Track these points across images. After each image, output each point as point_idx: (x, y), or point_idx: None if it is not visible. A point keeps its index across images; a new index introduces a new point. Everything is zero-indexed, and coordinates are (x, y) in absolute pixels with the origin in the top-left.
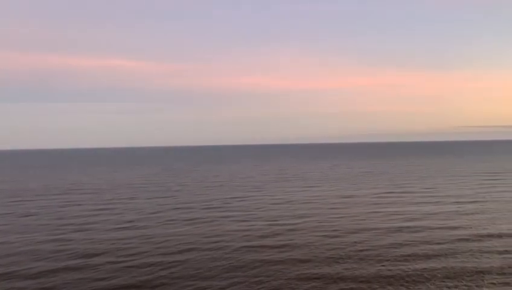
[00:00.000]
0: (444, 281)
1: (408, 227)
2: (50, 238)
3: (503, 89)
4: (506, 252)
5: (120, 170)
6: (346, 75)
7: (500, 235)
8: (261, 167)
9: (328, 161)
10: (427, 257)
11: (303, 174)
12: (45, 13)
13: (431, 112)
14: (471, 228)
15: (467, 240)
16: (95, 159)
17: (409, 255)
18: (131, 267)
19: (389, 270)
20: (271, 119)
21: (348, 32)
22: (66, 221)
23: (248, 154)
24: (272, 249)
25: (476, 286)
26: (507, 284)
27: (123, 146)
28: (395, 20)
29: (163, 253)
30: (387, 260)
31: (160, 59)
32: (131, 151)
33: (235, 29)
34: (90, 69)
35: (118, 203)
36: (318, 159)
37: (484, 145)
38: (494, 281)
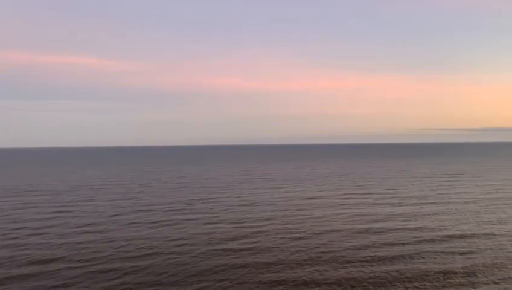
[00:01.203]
0: (409, 283)
1: (372, 229)
2: (3, 244)
3: (462, 93)
4: (470, 252)
5: (81, 170)
6: (310, 77)
7: (462, 236)
8: (227, 167)
9: (292, 162)
10: (392, 258)
11: (268, 176)
12: (5, 9)
13: (391, 115)
14: (434, 229)
15: (430, 241)
16: (54, 159)
17: (373, 257)
18: (91, 274)
19: (355, 273)
20: (238, 120)
21: (314, 36)
22: (20, 224)
23: (216, 155)
24: (237, 252)
25: (441, 287)
26: (471, 284)
27: (86, 145)
28: (361, 25)
29: (125, 258)
30: (353, 263)
31: (128, 57)
32: (94, 151)
33: (208, 31)
34: (49, 66)
35: (76, 205)
36: (283, 160)
37: (442, 148)
38: (458, 282)
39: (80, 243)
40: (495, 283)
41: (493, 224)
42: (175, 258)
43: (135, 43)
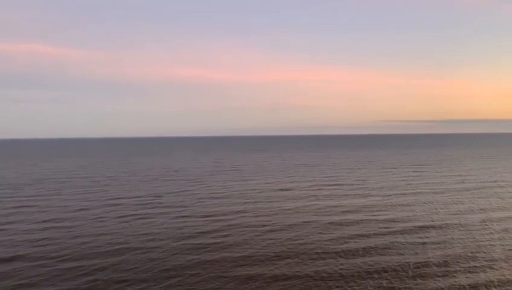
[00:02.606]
0: (383, 274)
1: (344, 220)
2: None
3: (424, 86)
4: (442, 242)
5: (43, 162)
6: (279, 69)
7: (433, 227)
8: (197, 159)
9: (262, 153)
10: (365, 250)
11: (239, 167)
12: None
13: (357, 107)
14: (405, 220)
15: (403, 232)
16: (13, 151)
17: (347, 250)
18: (56, 272)
19: (328, 266)
20: (207, 111)
21: (283, 28)
22: None
23: (185, 146)
24: (208, 246)
25: (416, 277)
26: (445, 274)
27: (47, 137)
28: (328, 19)
29: (92, 254)
30: (326, 255)
31: (91, 46)
32: (56, 142)
33: (177, 20)
34: (8, 54)
35: (40, 199)
36: (253, 151)
37: (405, 139)
38: (433, 272)
39: (44, 239)
40: (468, 272)
41: (463, 214)
42: (144, 253)
43: (99, 32)
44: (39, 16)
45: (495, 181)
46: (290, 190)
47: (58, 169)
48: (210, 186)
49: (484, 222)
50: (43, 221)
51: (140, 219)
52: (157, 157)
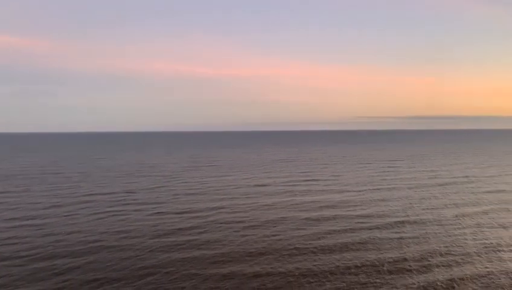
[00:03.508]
0: (362, 270)
1: (322, 216)
2: None
3: (395, 83)
4: (419, 237)
5: (10, 157)
6: (255, 64)
7: (410, 222)
8: (172, 154)
9: (238, 148)
10: (344, 246)
11: (215, 163)
12: None
13: (332, 103)
14: (382, 215)
15: (380, 227)
16: None
17: (325, 246)
18: (27, 272)
19: (307, 262)
20: (184, 105)
21: (260, 24)
22: None
23: (160, 141)
24: (184, 244)
25: (394, 272)
26: (423, 268)
27: (6, 131)
28: (305, 16)
29: (64, 253)
30: (304, 252)
31: (54, 37)
32: (18, 137)
33: (151, 14)
34: None
35: (9, 196)
36: (229, 146)
37: (378, 134)
38: (411, 267)
39: (13, 237)
40: (444, 266)
41: (437, 209)
42: (119, 251)
43: (65, 22)
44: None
45: (466, 176)
46: (266, 185)
47: (27, 165)
48: (186, 182)
49: (457, 216)
50: (12, 219)
51: (114, 215)
52: (132, 152)
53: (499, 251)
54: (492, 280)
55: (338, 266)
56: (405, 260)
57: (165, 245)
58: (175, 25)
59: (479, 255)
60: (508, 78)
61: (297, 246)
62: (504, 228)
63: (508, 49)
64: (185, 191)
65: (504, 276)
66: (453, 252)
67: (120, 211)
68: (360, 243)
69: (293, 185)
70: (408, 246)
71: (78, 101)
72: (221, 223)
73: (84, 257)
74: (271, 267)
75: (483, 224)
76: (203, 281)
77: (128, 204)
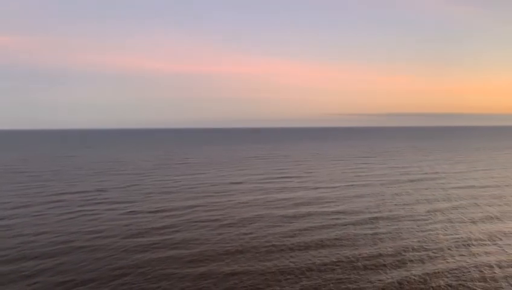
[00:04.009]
0: (339, 266)
1: (298, 213)
2: None
3: (371, 81)
4: (393, 233)
5: None
6: (227, 61)
7: (383, 218)
8: (143, 152)
9: (212, 146)
10: (320, 243)
11: (188, 160)
12: None
13: (305, 100)
14: (357, 211)
15: (356, 223)
16: None
17: (301, 243)
18: None
19: (282, 259)
20: (144, 102)
21: (237, 21)
22: None
23: (131, 139)
24: (158, 243)
25: (371, 268)
26: (399, 264)
27: None
28: (280, 10)
29: (32, 255)
30: (281, 250)
31: (24, 33)
32: None
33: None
34: None
35: None
36: (201, 144)
37: (352, 132)
38: (387, 263)
39: None
40: (418, 261)
41: (409, 205)
42: (90, 252)
43: (35, 17)
44: None
45: (436, 172)
46: (241, 183)
47: None
48: (159, 180)
49: (429, 212)
50: None
51: (85, 215)
52: (103, 150)
53: (469, 245)
54: (463, 273)
55: (314, 263)
56: (380, 255)
57: (139, 245)
58: (145, 20)
59: (450, 250)
60: (485, 77)
61: (273, 243)
62: (473, 223)
63: (487, 48)
64: (159, 190)
65: (474, 269)
66: (425, 247)
67: (92, 210)
68: (335, 239)
69: (267, 182)
70: (382, 242)
71: (44, 97)
72: (196, 222)
73: (55, 258)
74: (247, 265)
75: (454, 219)
76: (178, 281)
77: (100, 203)
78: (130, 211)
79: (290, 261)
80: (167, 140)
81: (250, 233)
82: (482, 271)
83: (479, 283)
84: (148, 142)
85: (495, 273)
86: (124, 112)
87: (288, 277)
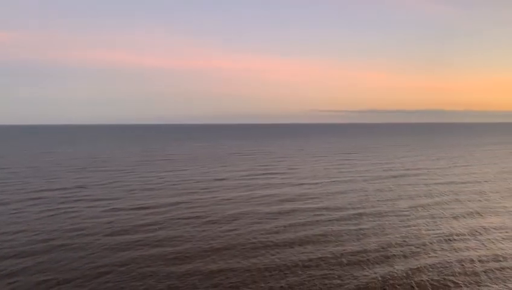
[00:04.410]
0: (321, 263)
1: (282, 210)
2: None
3: (350, 77)
4: (377, 228)
5: None
6: (209, 57)
7: (367, 214)
8: (125, 148)
9: (194, 142)
10: (305, 240)
11: (171, 156)
12: None
13: (286, 96)
14: (341, 208)
15: (339, 219)
16: None
17: (285, 240)
18: None
19: (267, 257)
20: (131, 98)
21: (213, 15)
22: None
23: (111, 135)
24: (141, 241)
25: (357, 263)
26: (381, 260)
27: None
28: (261, 8)
29: (10, 254)
30: (264, 246)
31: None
32: None
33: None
34: None
35: None
36: (183, 140)
37: (336, 128)
38: (373, 258)
39: None
40: (403, 256)
41: (393, 201)
42: (72, 251)
43: (14, 11)
44: None
45: (419, 168)
46: (225, 179)
47: None
48: (141, 177)
49: (412, 207)
50: None
51: (66, 212)
52: (86, 146)
53: (450, 240)
54: (445, 268)
55: (300, 259)
56: (364, 251)
57: (121, 242)
58: (119, 12)
59: (433, 245)
60: (467, 75)
61: (258, 240)
62: (455, 218)
63: (468, 47)
64: (141, 186)
65: (457, 264)
66: (409, 243)
67: (72, 207)
68: (320, 235)
69: (251, 178)
70: (366, 237)
71: (28, 92)
72: (179, 219)
73: (35, 256)
74: (233, 262)
75: (436, 215)
76: (162, 279)
77: (80, 200)
78: (112, 208)
79: (275, 258)
80: (146, 136)
81: (235, 230)
82: (463, 265)
83: (461, 277)
84: (132, 138)
85: (476, 267)
86: (112, 108)
87: (274, 273)
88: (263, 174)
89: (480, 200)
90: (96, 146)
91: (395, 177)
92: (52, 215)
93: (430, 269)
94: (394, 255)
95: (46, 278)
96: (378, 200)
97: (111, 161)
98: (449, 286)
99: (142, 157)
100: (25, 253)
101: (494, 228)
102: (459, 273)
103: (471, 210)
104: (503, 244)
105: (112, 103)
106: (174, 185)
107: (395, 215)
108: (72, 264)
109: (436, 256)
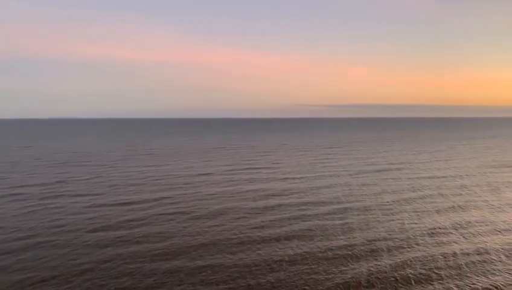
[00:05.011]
0: (307, 259)
1: (266, 205)
2: None
3: (332, 73)
4: (362, 223)
5: None
6: (190, 50)
7: (352, 209)
8: (107, 143)
9: (177, 136)
10: (288, 235)
11: (153, 151)
12: None
13: (268, 91)
14: (326, 202)
15: (325, 214)
16: None
17: (270, 235)
18: None
19: (252, 253)
20: (117, 91)
21: (200, 10)
22: None
23: (92, 129)
24: (123, 238)
25: (344, 257)
26: (368, 255)
27: None
28: (246, 3)
29: None
30: (249, 242)
31: None
32: None
33: None
34: None
35: None
36: (167, 134)
37: (315, 122)
38: (355, 254)
39: None
40: (389, 250)
41: (377, 195)
42: (52, 248)
43: None
44: None
45: (401, 163)
46: (208, 174)
47: None
48: (123, 172)
49: (396, 202)
50: None
51: (45, 209)
52: (67, 140)
53: (434, 233)
54: (429, 261)
55: (285, 254)
56: (350, 245)
57: (103, 239)
58: (104, 5)
59: (417, 239)
60: (449, 70)
61: (243, 235)
62: (437, 212)
63: (449, 42)
64: (123, 182)
65: (440, 257)
66: (393, 237)
67: (53, 203)
68: (305, 229)
69: (235, 173)
70: (352, 232)
71: (5, 86)
72: (163, 215)
73: (13, 254)
74: (217, 258)
75: (419, 209)
76: (144, 277)
77: (61, 196)
78: (94, 204)
79: (261, 253)
80: (133, 130)
81: (220, 225)
82: (446, 259)
83: (445, 271)
84: (110, 133)
85: (459, 260)
86: (93, 101)
87: (260, 268)
88: (247, 169)
89: (461, 194)
90: (78, 140)
91: (378, 171)
92: (32, 211)
93: (414, 263)
94: (379, 249)
95: (26, 276)
96: (362, 195)
97: (93, 156)
98: (433, 279)
99: (124, 152)
100: (4, 251)
101: (475, 222)
102: (443, 266)
103: (453, 204)
104: (484, 237)
105: (95, 96)
106: (157, 180)
107: (380, 210)
108: (54, 261)
109: (420, 250)
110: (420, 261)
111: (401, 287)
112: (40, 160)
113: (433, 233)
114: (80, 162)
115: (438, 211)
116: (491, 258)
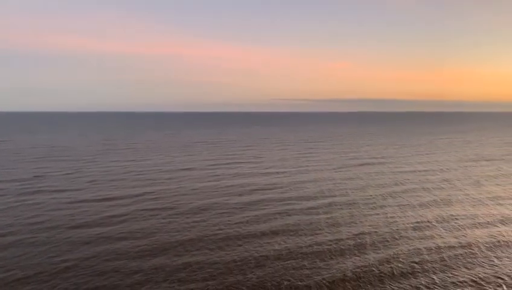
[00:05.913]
0: (293, 254)
1: (251, 200)
2: None
3: (315, 67)
4: (348, 217)
5: None
6: (173, 43)
7: (339, 203)
8: (87, 137)
9: (158, 130)
10: (274, 230)
11: (134, 145)
12: None
13: (248, 85)
14: (311, 197)
15: (311, 209)
16: None
17: (255, 231)
18: None
19: (237, 248)
20: (92, 84)
21: (178, 2)
22: None
23: (72, 122)
24: (105, 235)
25: (332, 251)
26: (356, 249)
27: None
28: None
29: None
30: (234, 238)
31: None
32: None
33: None
34: None
35: None
36: (147, 128)
37: (296, 116)
38: (343, 249)
39: None
40: (375, 245)
41: (362, 189)
42: (31, 246)
43: None
44: None
45: (384, 157)
46: (190, 169)
47: None
48: (104, 167)
49: (380, 196)
50: None
51: (23, 205)
52: (45, 134)
53: (418, 227)
54: (414, 255)
55: (271, 249)
56: (335, 240)
57: (84, 236)
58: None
59: (401, 233)
60: (432, 65)
61: (227, 231)
62: (421, 206)
63: (433, 38)
64: (104, 177)
65: (425, 251)
66: (379, 231)
67: (31, 199)
68: (291, 224)
69: (217, 168)
70: (337, 227)
71: None
72: (144, 210)
73: None
74: (201, 255)
75: (403, 203)
76: (127, 275)
77: (40, 191)
78: (74, 200)
79: (246, 249)
80: (115, 124)
81: (203, 221)
82: (431, 252)
83: (430, 264)
84: (89, 126)
85: (443, 253)
86: (75, 94)
87: (244, 264)
88: (230, 163)
89: (443, 188)
90: (57, 134)
91: (361, 165)
92: (9, 207)
93: (399, 256)
94: (364, 243)
95: (5, 275)
96: (346, 189)
97: (72, 150)
98: (418, 272)
99: (104, 146)
100: None
101: (458, 215)
102: (427, 259)
103: (435, 198)
104: (466, 230)
105: (75, 90)
106: (138, 175)
107: (364, 204)
108: (33, 259)
109: (404, 243)
110: (405, 254)
111: (386, 280)
112: (18, 154)
113: (416, 227)
114: (59, 157)
115: (420, 205)
116: (473, 251)
